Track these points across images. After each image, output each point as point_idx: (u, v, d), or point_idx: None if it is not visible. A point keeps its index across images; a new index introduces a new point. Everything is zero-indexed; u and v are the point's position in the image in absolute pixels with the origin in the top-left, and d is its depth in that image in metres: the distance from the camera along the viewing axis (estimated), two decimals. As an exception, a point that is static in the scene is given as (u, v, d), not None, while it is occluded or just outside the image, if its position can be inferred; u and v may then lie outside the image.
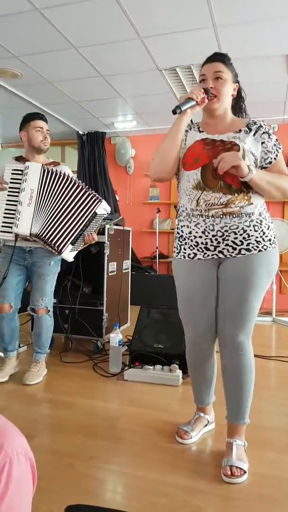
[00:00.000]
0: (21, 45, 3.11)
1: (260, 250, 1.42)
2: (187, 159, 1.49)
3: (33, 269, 2.27)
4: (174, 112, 1.43)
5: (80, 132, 5.44)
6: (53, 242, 2.07)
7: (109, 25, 2.82)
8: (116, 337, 2.45)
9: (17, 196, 2.06)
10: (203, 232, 1.44)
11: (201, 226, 1.44)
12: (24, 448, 0.72)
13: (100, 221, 2.24)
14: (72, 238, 2.10)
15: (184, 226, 1.51)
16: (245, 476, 1.41)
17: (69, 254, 2.13)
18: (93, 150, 5.41)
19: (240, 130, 1.47)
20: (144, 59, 3.31)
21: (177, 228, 1.57)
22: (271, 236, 1.46)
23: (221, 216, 1.41)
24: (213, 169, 1.41)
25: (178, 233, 1.56)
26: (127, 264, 3.26)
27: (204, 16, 2.69)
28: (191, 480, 1.41)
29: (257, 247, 1.42)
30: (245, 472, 1.41)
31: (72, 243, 2.11)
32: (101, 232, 2.81)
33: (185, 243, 1.51)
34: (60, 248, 2.09)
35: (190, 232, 1.48)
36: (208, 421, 1.73)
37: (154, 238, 5.13)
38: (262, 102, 4.21)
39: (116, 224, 3.04)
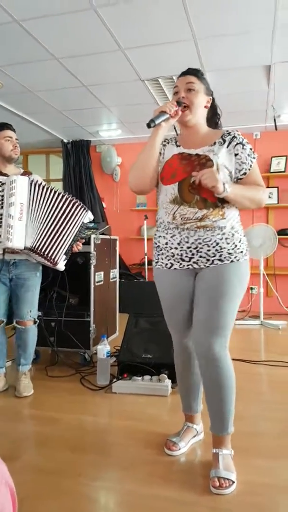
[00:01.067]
0: (1, 56, 3.10)
1: (232, 261, 1.47)
2: (164, 173, 1.53)
3: (19, 281, 2.25)
4: (148, 126, 1.46)
5: (65, 141, 5.44)
6: (48, 255, 2.08)
7: (89, 37, 2.84)
8: (103, 349, 2.43)
9: None
10: (178, 244, 1.49)
11: (177, 238, 1.49)
12: (3, 476, 0.71)
13: (85, 229, 2.26)
14: (66, 248, 2.12)
15: (161, 237, 1.55)
16: (233, 487, 1.41)
17: (61, 264, 2.15)
18: (79, 158, 5.41)
19: (214, 143, 1.50)
20: (126, 70, 3.33)
21: (155, 238, 1.61)
22: (243, 248, 1.50)
23: (195, 229, 1.46)
24: (189, 184, 1.45)
25: (156, 243, 1.60)
26: (114, 273, 3.25)
27: (183, 29, 2.73)
28: (180, 492, 1.40)
29: (229, 258, 1.47)
30: (233, 482, 1.42)
31: (66, 254, 2.12)
32: (87, 242, 2.80)
33: (162, 254, 1.55)
34: (56, 260, 2.09)
35: (166, 243, 1.52)
36: (197, 432, 1.73)
37: (142, 244, 5.14)
38: (244, 111, 4.29)
39: (103, 233, 3.03)
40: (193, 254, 1.47)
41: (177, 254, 1.50)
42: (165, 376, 2.27)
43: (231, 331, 1.49)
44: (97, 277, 2.89)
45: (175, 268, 1.53)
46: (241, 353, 3.02)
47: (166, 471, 1.53)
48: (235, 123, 4.68)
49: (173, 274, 1.54)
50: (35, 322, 2.33)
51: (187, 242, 1.47)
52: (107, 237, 3.11)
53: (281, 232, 4.74)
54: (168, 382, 2.26)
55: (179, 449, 1.64)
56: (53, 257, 2.08)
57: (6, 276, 2.23)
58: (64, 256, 2.13)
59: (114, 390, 2.30)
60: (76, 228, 2.13)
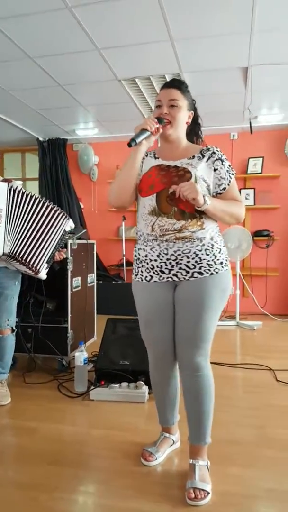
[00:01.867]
0: (-26, 54, 2.99)
1: (212, 273, 1.47)
2: (142, 185, 1.52)
3: None
4: (129, 145, 1.45)
5: (41, 139, 5.32)
6: (31, 263, 2.05)
7: (65, 37, 2.78)
8: (81, 355, 2.41)
9: None
10: (158, 256, 1.49)
11: (156, 250, 1.49)
12: None
13: (66, 237, 2.24)
14: (48, 257, 2.09)
15: (140, 249, 1.56)
16: (208, 498, 1.44)
17: (43, 273, 2.13)
18: (55, 157, 5.31)
19: (193, 157, 1.51)
20: (102, 69, 3.28)
21: (135, 251, 1.61)
22: (223, 259, 1.51)
23: (174, 240, 1.46)
24: (167, 195, 1.45)
25: (136, 255, 1.59)
26: (92, 277, 3.22)
27: (160, 29, 2.70)
28: (156, 504, 1.42)
29: (209, 270, 1.47)
30: (208, 493, 1.44)
31: (47, 262, 2.09)
32: (63, 247, 2.76)
33: (142, 266, 1.55)
34: (37, 268, 2.06)
35: (146, 256, 1.52)
36: (173, 441, 1.75)
37: (120, 245, 5.12)
38: (222, 112, 4.31)
39: (79, 238, 3.00)
40: (172, 266, 1.47)
41: (157, 266, 1.49)
42: (142, 383, 2.28)
43: (212, 342, 1.52)
44: (74, 282, 2.86)
45: (154, 281, 1.52)
46: (217, 356, 3.05)
47: (143, 483, 1.54)
48: (212, 124, 4.71)
49: (152, 287, 1.53)
50: (13, 331, 2.31)
51: (166, 254, 1.47)
52: (84, 241, 3.07)
53: (257, 234, 4.83)
54: (145, 388, 2.27)
55: (156, 459, 1.66)
56: (34, 265, 2.06)
57: None
58: (46, 265, 2.10)
59: (92, 398, 2.29)
60: (57, 236, 2.11)
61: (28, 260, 2.05)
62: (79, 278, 2.96)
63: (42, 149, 5.34)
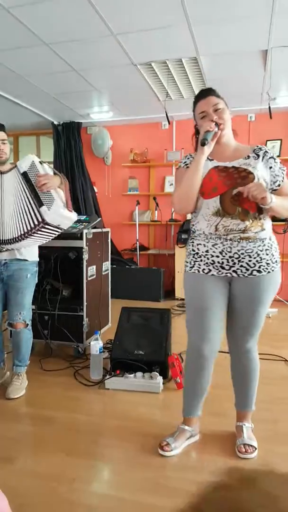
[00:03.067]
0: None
1: (269, 272, 1.60)
2: (204, 188, 1.58)
3: (10, 283, 2.22)
4: (203, 144, 1.52)
5: (55, 123, 5.26)
6: (30, 226, 1.99)
7: (80, 23, 2.71)
8: (96, 344, 2.46)
9: None
10: (220, 253, 1.58)
11: (219, 247, 1.58)
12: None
13: (36, 168, 2.03)
14: (34, 200, 1.97)
15: (200, 244, 1.64)
16: (256, 452, 1.69)
17: (48, 215, 1.97)
18: (69, 140, 5.26)
19: (248, 157, 1.59)
20: (118, 54, 3.20)
21: (192, 245, 1.68)
22: (277, 257, 1.65)
23: (239, 240, 1.56)
24: (231, 196, 1.53)
25: (194, 250, 1.66)
26: (106, 265, 3.24)
27: (177, 13, 2.60)
28: (172, 500, 1.44)
29: (267, 269, 1.60)
30: (255, 448, 1.69)
31: (42, 204, 1.96)
32: (79, 237, 2.77)
33: (201, 260, 1.64)
34: (40, 216, 1.96)
35: (207, 251, 1.61)
36: (191, 434, 1.78)
37: (134, 230, 5.10)
38: (240, 94, 4.18)
39: (94, 227, 3.00)
40: (234, 264, 1.58)
41: (218, 262, 1.59)
42: (157, 373, 2.32)
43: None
44: (89, 271, 2.88)
45: (212, 274, 1.62)
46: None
47: (159, 476, 1.57)
48: (231, 106, 4.52)
49: (210, 279, 1.63)
50: (26, 325, 2.29)
51: (230, 251, 1.57)
52: (99, 230, 3.07)
53: (273, 219, 4.70)
54: (159, 379, 2.31)
55: (172, 450, 1.69)
56: (35, 220, 1.98)
57: None
58: (45, 207, 1.95)
59: (107, 386, 2.34)
60: (22, 183, 2.02)
61: (9, 235, 2.02)
62: (94, 266, 2.98)
63: (56, 133, 5.29)
